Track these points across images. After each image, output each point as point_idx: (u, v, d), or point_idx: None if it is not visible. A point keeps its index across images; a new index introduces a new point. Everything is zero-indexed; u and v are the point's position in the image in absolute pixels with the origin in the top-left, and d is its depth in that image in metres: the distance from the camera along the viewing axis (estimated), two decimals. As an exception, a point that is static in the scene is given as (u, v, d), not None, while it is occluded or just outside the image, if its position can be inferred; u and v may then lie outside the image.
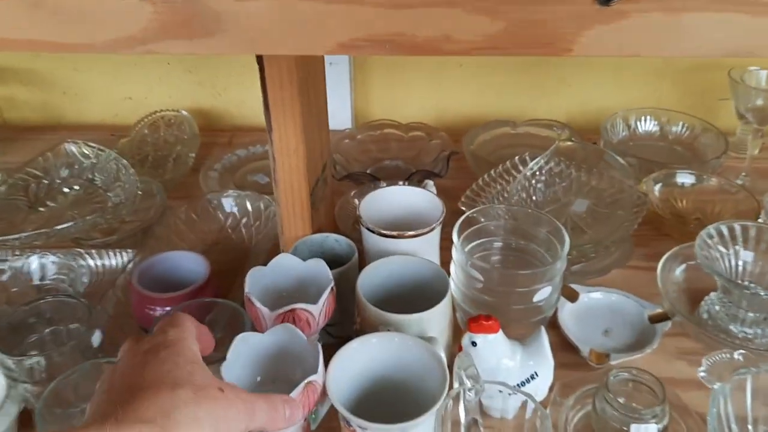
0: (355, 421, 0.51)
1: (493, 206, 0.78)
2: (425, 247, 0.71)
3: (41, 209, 0.88)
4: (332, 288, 0.61)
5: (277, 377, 0.56)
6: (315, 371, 0.52)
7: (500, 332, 0.64)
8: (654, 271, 0.80)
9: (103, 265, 0.80)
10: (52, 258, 0.76)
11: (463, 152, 1.02)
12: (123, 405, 0.36)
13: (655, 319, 0.75)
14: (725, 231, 0.76)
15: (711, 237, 0.75)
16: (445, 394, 0.53)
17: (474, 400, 0.62)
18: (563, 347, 0.73)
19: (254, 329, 0.60)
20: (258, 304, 0.59)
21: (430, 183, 0.79)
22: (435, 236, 0.72)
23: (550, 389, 0.66)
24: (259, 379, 0.56)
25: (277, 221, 0.77)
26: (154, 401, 0.36)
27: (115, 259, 0.80)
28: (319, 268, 0.64)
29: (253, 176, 1.02)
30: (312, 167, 0.73)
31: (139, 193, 0.84)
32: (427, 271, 0.67)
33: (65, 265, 0.77)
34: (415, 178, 0.92)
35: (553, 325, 0.75)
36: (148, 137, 1.08)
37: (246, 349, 0.54)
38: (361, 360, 0.58)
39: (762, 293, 0.74)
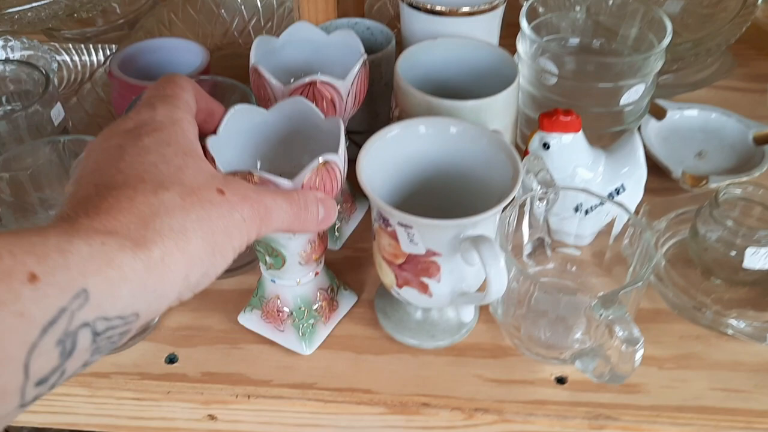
0: (398, 216, 0.38)
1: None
2: (483, 32, 0.55)
3: (6, -4, 0.72)
4: (365, 61, 0.46)
5: (284, 169, 0.42)
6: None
7: (581, 132, 0.49)
8: (756, 93, 0.66)
9: (80, 61, 0.65)
10: (13, 42, 0.62)
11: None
12: (88, 208, 0.26)
13: (763, 140, 0.60)
14: None
15: None
16: (515, 190, 0.39)
17: (543, 215, 0.48)
18: (649, 170, 0.59)
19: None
20: (268, 76, 0.45)
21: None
22: (496, 17, 0.56)
23: (636, 211, 0.53)
24: (259, 165, 0.42)
25: (293, 10, 0.62)
26: (128, 206, 0.26)
27: (94, 56, 0.65)
28: (347, 41, 0.49)
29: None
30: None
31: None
32: (487, 56, 0.52)
33: (33, 58, 0.63)
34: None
35: (635, 145, 0.61)
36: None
37: (244, 126, 0.40)
38: (402, 152, 0.44)
39: None
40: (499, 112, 0.48)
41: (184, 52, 0.60)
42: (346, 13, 0.63)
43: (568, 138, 0.49)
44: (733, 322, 0.46)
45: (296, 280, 0.44)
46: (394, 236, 0.40)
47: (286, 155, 0.42)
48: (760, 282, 0.49)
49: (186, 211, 0.27)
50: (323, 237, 0.44)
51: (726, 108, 0.64)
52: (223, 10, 0.74)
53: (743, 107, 0.65)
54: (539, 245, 0.50)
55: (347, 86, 0.45)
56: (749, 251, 0.47)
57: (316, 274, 0.45)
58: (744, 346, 0.46)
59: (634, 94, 0.54)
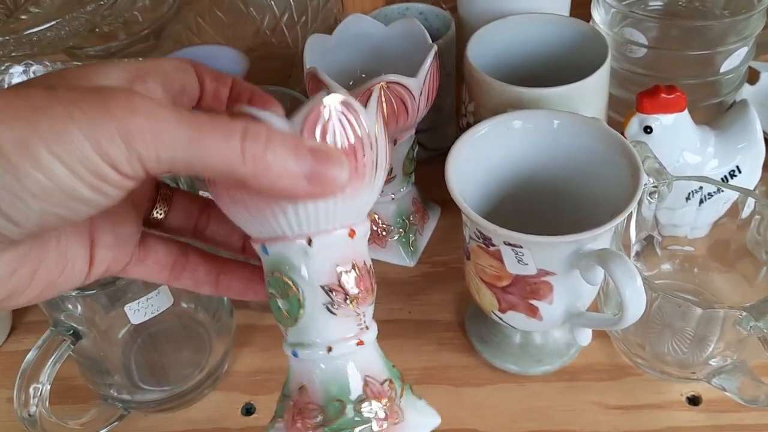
0: (504, 235, 0.32)
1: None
2: (556, 6, 0.49)
3: (23, 17, 0.67)
4: (436, 54, 0.40)
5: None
6: None
7: (686, 111, 0.43)
8: None
9: (108, 78, 0.60)
10: (37, 68, 0.57)
11: None
12: None
13: None
14: None
15: None
16: (639, 191, 0.33)
17: (652, 210, 0.42)
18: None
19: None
20: (330, 81, 0.39)
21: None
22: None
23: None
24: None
25: (333, 0, 0.56)
26: None
27: (122, 71, 0.60)
28: (409, 31, 0.43)
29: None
30: None
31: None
32: (566, 32, 0.45)
33: (58, 80, 0.58)
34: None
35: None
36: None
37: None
38: (493, 153, 0.38)
39: None
40: (590, 97, 0.42)
41: (221, 60, 0.54)
42: (392, -2, 0.57)
43: (670, 118, 0.43)
44: None
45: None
46: (497, 256, 0.35)
47: None
48: None
49: None
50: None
51: (824, 64, 0.57)
52: (252, 9, 0.68)
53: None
54: (648, 243, 0.44)
55: (419, 84, 0.39)
56: None
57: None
58: None
59: (735, 59, 0.47)
